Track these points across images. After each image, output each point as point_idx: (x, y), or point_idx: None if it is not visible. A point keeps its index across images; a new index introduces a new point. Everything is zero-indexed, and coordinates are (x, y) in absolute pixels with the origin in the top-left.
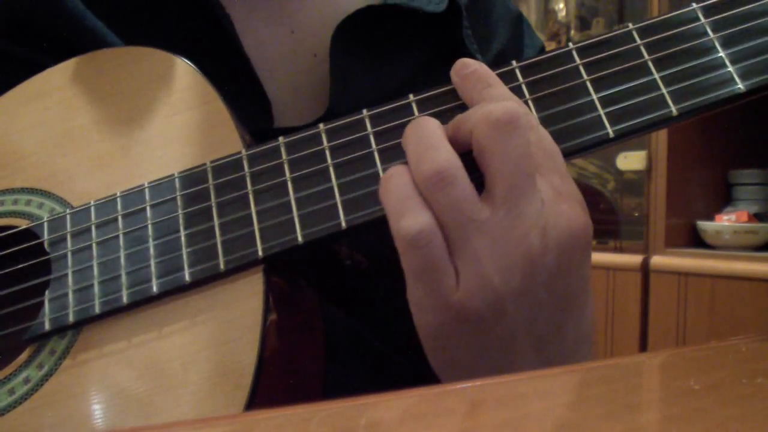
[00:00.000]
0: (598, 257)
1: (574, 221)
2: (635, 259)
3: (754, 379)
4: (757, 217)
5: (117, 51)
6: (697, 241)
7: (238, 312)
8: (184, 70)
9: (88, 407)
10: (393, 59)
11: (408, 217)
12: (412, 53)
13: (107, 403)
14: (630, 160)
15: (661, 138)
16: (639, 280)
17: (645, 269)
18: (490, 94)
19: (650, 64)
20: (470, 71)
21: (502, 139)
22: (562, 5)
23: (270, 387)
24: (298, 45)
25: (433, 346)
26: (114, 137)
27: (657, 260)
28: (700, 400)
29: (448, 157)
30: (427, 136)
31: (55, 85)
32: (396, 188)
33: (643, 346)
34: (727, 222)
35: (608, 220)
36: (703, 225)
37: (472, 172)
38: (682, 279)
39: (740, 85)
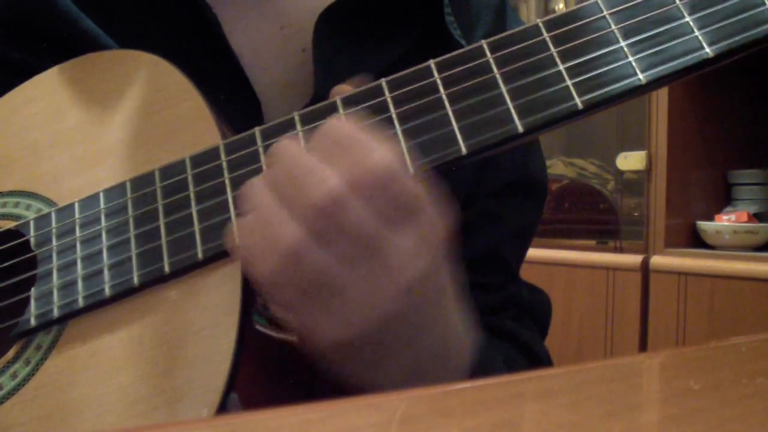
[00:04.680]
0: (598, 257)
1: None
2: (635, 259)
3: (754, 379)
4: (757, 217)
5: (101, 55)
6: (696, 241)
7: (216, 298)
8: (164, 69)
9: (74, 398)
10: (376, 46)
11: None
12: (395, 40)
13: (93, 394)
14: (630, 160)
15: (661, 138)
16: (639, 280)
17: (645, 269)
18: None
19: (617, 33)
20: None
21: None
22: (562, 5)
23: (252, 373)
24: (288, 41)
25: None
26: (99, 138)
27: (657, 260)
28: (700, 400)
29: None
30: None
31: (42, 91)
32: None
33: (643, 346)
34: (726, 222)
35: (608, 220)
36: (703, 225)
37: None
38: (682, 279)
39: (708, 51)
